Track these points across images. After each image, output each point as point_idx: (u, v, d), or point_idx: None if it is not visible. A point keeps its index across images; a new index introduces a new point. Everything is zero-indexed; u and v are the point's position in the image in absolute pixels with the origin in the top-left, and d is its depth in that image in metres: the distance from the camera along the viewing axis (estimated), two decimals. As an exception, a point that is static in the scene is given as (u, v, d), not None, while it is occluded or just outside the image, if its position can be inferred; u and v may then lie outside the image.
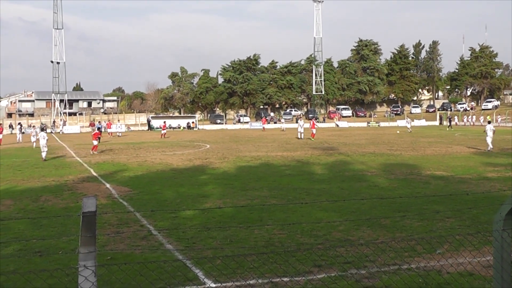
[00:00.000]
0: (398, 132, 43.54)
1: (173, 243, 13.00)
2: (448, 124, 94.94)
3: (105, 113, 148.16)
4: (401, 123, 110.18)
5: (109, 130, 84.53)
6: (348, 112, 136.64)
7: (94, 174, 28.77)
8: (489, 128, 41.17)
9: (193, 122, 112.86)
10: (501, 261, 5.52)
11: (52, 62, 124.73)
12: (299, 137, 61.51)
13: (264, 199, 19.58)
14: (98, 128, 61.05)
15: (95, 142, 43.88)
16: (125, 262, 11.08)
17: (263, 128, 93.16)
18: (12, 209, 18.23)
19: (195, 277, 10.28)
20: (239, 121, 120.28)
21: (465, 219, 15.38)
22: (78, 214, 4.29)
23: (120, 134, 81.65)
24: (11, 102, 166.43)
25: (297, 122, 72.99)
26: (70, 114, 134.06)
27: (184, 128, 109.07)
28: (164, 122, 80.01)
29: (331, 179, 25.62)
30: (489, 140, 40.92)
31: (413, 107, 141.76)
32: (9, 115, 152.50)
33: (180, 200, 19.71)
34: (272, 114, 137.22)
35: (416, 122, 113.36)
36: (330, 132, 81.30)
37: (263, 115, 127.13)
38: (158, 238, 13.66)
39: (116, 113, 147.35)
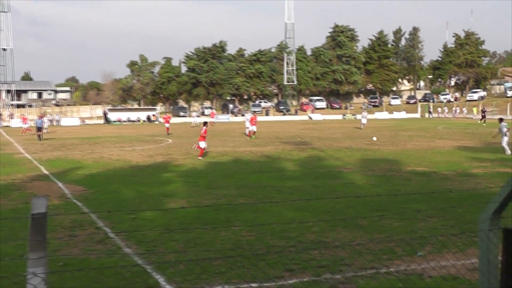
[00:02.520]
0: (374, 139, 43.13)
1: (132, 247, 12.96)
2: (431, 115, 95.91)
3: (57, 105, 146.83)
4: (380, 115, 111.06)
5: (24, 126, 75.70)
6: (322, 104, 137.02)
7: (45, 172, 28.49)
8: (503, 126, 35.66)
9: (154, 115, 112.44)
10: (487, 264, 5.56)
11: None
12: (247, 133, 57.28)
13: (232, 198, 19.59)
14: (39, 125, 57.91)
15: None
16: (79, 268, 10.99)
17: (213, 123, 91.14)
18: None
19: (156, 284, 10.23)
20: (203, 114, 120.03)
21: (448, 218, 15.53)
22: (27, 216, 4.21)
23: (47, 131, 73.67)
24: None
25: (243, 115, 72.38)
26: (18, 106, 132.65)
27: (144, 121, 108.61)
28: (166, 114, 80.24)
29: (304, 176, 25.68)
30: (504, 143, 35.14)
31: (393, 98, 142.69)
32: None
33: (140, 200, 19.61)
34: (239, 106, 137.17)
35: (396, 115, 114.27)
36: (302, 126, 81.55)
37: (230, 107, 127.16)
38: (116, 241, 13.60)
39: (69, 104, 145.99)
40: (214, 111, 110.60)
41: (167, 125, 66.66)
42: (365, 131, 62.25)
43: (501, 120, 35.50)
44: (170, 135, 59.94)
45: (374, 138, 35.57)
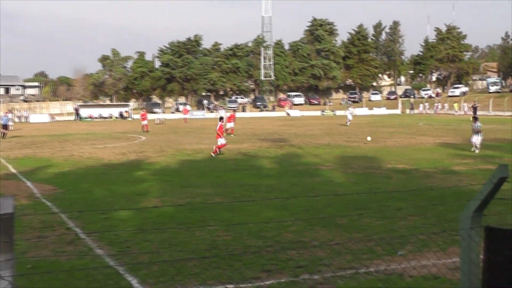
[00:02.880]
0: (368, 139, 41.97)
1: (104, 248, 12.89)
2: (412, 111, 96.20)
3: (25, 101, 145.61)
4: (359, 111, 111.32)
5: None
6: (301, 100, 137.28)
7: (13, 170, 28.25)
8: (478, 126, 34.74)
9: (126, 111, 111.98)
10: (468, 263, 5.60)
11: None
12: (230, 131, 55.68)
13: (207, 197, 19.54)
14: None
15: None
16: (49, 270, 10.91)
17: (186, 119, 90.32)
18: None
19: (129, 286, 10.18)
20: (178, 110, 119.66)
21: (429, 217, 15.63)
22: None
23: (12, 128, 71.10)
24: None
25: (217, 111, 71.73)
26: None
27: (116, 118, 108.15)
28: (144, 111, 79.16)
29: (282, 174, 25.72)
30: (476, 140, 34.45)
31: (373, 93, 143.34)
32: None
33: (112, 199, 19.53)
34: (215, 102, 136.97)
35: (376, 111, 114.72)
36: (280, 122, 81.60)
37: (205, 103, 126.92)
38: (87, 242, 13.53)
39: (38, 100, 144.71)
40: (187, 107, 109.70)
41: (144, 122, 64.59)
42: (350, 128, 62.41)
43: (475, 119, 34.99)
44: (147, 133, 59.31)
45: (369, 138, 34.72)
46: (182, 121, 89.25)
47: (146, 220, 15.84)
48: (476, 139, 34.02)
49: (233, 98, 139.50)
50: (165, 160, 32.20)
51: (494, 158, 30.52)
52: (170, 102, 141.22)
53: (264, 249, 12.47)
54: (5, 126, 56.25)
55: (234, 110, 72.11)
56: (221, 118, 36.23)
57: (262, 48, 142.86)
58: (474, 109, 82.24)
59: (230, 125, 53.28)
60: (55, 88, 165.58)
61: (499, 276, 5.35)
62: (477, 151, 33.33)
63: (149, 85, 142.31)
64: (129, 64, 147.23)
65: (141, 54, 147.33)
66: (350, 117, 70.63)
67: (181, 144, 43.22)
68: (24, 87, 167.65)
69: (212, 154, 33.56)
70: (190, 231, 14.18)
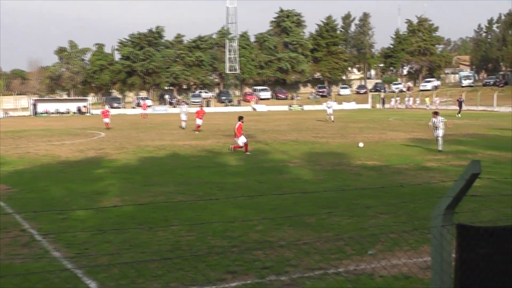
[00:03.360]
0: (360, 145, 39.76)
1: (61, 250, 12.81)
2: (382, 105, 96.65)
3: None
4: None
5: None
6: (267, 94, 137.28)
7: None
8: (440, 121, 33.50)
9: (84, 106, 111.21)
10: (440, 261, 5.64)
11: None
12: (183, 126, 56.94)
13: (170, 196, 19.54)
14: None
15: None
16: (3, 274, 10.80)
17: (145, 114, 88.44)
18: None
19: (88, 289, 10.14)
20: (138, 105, 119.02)
21: (400, 214, 15.75)
22: None
23: None
24: None
25: (180, 106, 70.65)
26: None
27: (74, 113, 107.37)
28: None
29: (247, 171, 25.76)
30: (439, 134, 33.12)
31: (342, 87, 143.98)
32: None
33: (70, 198, 19.41)
34: (177, 97, 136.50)
35: (345, 105, 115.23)
36: (246, 117, 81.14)
37: (167, 97, 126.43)
38: (43, 244, 13.45)
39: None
40: (146, 102, 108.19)
41: (106, 120, 61.18)
42: (319, 124, 62.51)
43: (436, 114, 34.00)
44: (109, 130, 58.18)
45: (361, 144, 33.66)
46: (149, 117, 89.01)
47: (105, 220, 15.77)
48: (438, 134, 32.92)
49: (197, 92, 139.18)
50: (125, 157, 32.06)
51: (467, 154, 30.88)
52: (131, 96, 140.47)
53: (229, 250, 12.50)
54: None
55: (201, 106, 69.42)
56: (240, 118, 34.79)
57: (227, 41, 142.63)
58: (460, 103, 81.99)
59: (199, 121, 52.10)
60: (8, 81, 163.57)
61: (472, 275, 5.40)
62: (440, 148, 32.36)
63: (108, 78, 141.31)
64: (88, 56, 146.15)
65: (100, 46, 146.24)
66: (330, 111, 66.76)
67: (143, 140, 43.06)
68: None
69: (230, 147, 34.39)
70: (152, 231, 14.18)
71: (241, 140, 33.62)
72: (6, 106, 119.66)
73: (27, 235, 14.16)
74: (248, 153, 32.52)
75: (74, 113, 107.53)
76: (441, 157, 29.50)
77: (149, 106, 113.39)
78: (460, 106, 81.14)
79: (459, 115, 74.71)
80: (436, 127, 32.80)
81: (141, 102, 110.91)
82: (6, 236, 13.99)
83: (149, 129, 57.54)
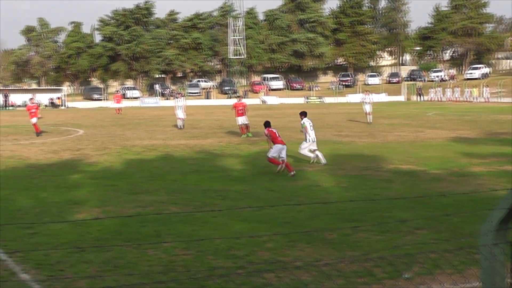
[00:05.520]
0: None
1: (31, 272, 12.77)
2: (419, 98, 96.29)
3: None
4: (353, 98, 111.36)
5: None
6: (279, 84, 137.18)
7: None
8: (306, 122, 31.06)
9: (58, 98, 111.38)
10: (491, 287, 5.62)
11: None
12: (180, 125, 53.69)
13: (162, 206, 19.58)
14: None
15: None
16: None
17: (119, 109, 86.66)
18: None
19: (63, 319, 10.16)
20: (124, 96, 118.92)
21: (441, 230, 15.70)
22: None
23: None
24: None
25: (174, 98, 66.63)
26: None
27: (46, 106, 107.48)
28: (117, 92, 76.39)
29: (255, 177, 25.77)
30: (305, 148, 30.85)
31: (370, 76, 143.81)
32: None
33: (40, 209, 19.44)
34: (171, 86, 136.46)
35: (375, 97, 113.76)
36: (254, 112, 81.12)
37: (157, 87, 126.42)
38: (8, 264, 13.42)
39: None
40: (120, 93, 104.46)
41: (33, 120, 50.64)
42: (341, 119, 62.38)
43: (304, 114, 30.92)
44: (41, 135, 50.48)
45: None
46: (129, 109, 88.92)
47: (84, 235, 15.76)
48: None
49: (195, 81, 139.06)
50: (108, 159, 32.11)
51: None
52: (114, 86, 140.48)
53: (234, 272, 12.47)
54: None
55: (239, 97, 57.79)
56: (267, 124, 29.44)
57: (231, 19, 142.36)
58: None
59: (242, 120, 47.00)
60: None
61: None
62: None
63: (87, 64, 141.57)
64: (62, 38, 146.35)
65: (77, 26, 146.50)
66: (368, 108, 58.52)
67: (129, 139, 43.11)
68: None
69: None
70: (140, 249, 14.20)
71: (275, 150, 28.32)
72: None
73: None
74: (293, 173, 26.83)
75: (46, 106, 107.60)
76: (491, 160, 29.34)
77: (135, 98, 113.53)
78: None
79: None
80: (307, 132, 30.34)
81: (121, 92, 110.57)
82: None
83: (137, 125, 57.58)
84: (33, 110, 50.50)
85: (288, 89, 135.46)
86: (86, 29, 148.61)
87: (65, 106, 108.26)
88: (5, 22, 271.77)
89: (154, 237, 15.46)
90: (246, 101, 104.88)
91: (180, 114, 53.66)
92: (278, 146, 27.62)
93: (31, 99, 58.04)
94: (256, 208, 18.29)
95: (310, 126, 30.08)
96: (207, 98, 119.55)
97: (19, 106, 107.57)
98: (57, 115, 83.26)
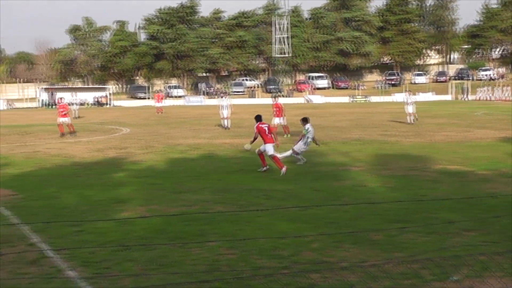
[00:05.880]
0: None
1: (77, 269, 12.81)
2: (464, 96, 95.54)
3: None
4: (399, 97, 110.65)
5: None
6: (324, 83, 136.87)
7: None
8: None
9: (104, 96, 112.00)
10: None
11: None
12: (225, 125, 53.15)
13: (206, 205, 19.61)
14: None
15: None
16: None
17: (160, 108, 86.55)
18: None
19: (108, 317, 10.20)
20: (169, 95, 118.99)
21: (491, 232, 15.54)
22: None
23: None
24: None
25: (219, 97, 66.42)
26: None
27: (91, 104, 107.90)
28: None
29: (300, 176, 25.70)
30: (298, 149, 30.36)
31: (417, 74, 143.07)
32: None
33: (86, 207, 19.59)
34: (215, 85, 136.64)
35: (422, 96, 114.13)
36: (298, 111, 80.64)
37: (202, 86, 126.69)
38: (55, 261, 13.46)
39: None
40: (161, 92, 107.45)
41: (60, 120, 49.50)
42: (386, 119, 62.11)
43: (306, 120, 30.45)
44: (65, 136, 54.40)
45: (247, 147, 29.26)
46: (176, 109, 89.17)
47: (129, 234, 15.85)
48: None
49: (239, 80, 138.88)
50: (152, 158, 32.25)
51: None
52: (159, 85, 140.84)
53: (279, 272, 12.39)
54: None
55: (275, 97, 56.02)
56: (258, 118, 29.22)
57: (276, 17, 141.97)
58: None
59: (277, 120, 46.28)
60: (13, 66, 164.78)
61: None
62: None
63: (132, 63, 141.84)
64: (107, 36, 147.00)
65: (122, 24, 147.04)
66: (410, 109, 55.96)
67: (173, 138, 43.29)
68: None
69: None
70: (184, 248, 14.22)
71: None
72: (11, 96, 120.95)
73: (35, 251, 14.22)
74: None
75: (92, 104, 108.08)
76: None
77: (180, 96, 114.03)
78: None
79: None
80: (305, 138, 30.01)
81: (178, 92, 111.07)
82: (11, 251, 14.09)
83: (181, 124, 57.77)
84: (61, 110, 49.32)
85: (333, 88, 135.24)
86: (131, 28, 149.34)
87: (110, 104, 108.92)
88: (51, 21, 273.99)
89: (198, 236, 15.45)
90: (291, 100, 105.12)
91: (225, 113, 53.29)
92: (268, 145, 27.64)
93: (60, 98, 57.65)
94: (301, 208, 18.26)
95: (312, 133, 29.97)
96: (252, 97, 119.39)
97: (69, 104, 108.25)
98: (102, 113, 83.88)
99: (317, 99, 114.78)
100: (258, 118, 29.09)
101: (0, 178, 25.74)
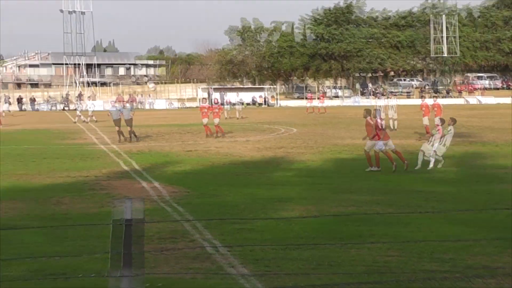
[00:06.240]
0: None
1: (237, 267, 12.96)
2: None
3: (138, 83, 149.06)
4: None
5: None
6: (496, 83, 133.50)
7: (125, 167, 29.34)
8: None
9: (272, 97, 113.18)
10: None
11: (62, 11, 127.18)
12: (393, 126, 50.88)
13: (365, 206, 19.60)
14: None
15: None
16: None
17: (311, 108, 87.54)
18: (13, 215, 18.69)
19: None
20: (336, 96, 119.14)
21: None
22: (111, 222, 4.22)
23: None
24: (18, 67, 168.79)
25: (387, 98, 64.82)
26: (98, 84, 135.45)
27: (247, 104, 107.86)
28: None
29: (460, 178, 25.45)
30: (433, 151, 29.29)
31: None
32: (18, 85, 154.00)
33: (245, 205, 20.02)
34: (382, 85, 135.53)
35: None
36: (468, 112, 77.75)
37: (368, 87, 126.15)
38: (216, 258, 13.72)
39: (163, 82, 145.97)
40: (321, 93, 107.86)
41: (204, 121, 47.73)
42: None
43: (454, 121, 29.73)
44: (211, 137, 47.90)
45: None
46: (343, 110, 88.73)
47: (288, 233, 16.01)
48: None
49: (407, 80, 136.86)
50: (311, 158, 32.50)
51: None
52: (323, 85, 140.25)
53: (440, 275, 12.20)
54: (118, 121, 45.30)
55: (422, 97, 54.48)
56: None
57: (444, 16, 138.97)
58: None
59: (425, 120, 45.66)
60: (182, 67, 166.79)
61: None
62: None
63: (299, 63, 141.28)
64: (275, 37, 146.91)
65: (289, 25, 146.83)
66: None
67: (331, 138, 43.37)
68: (135, 65, 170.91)
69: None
70: (343, 249, 14.12)
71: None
72: (171, 96, 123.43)
73: (197, 247, 14.52)
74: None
75: (249, 104, 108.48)
76: None
77: (346, 97, 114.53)
78: None
79: None
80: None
81: (337, 91, 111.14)
82: (175, 246, 14.53)
83: (337, 124, 57.66)
84: (205, 111, 48.29)
85: (506, 88, 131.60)
86: (287, 28, 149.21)
87: (277, 104, 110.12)
88: (207, 21, 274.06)
89: (357, 237, 15.50)
90: (459, 101, 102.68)
91: (392, 113, 52.71)
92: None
93: (204, 99, 59.52)
94: (462, 211, 18.03)
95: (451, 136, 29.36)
96: (422, 98, 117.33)
97: (233, 104, 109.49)
98: (270, 113, 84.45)
99: (488, 100, 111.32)
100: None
101: (165, 175, 26.52)
